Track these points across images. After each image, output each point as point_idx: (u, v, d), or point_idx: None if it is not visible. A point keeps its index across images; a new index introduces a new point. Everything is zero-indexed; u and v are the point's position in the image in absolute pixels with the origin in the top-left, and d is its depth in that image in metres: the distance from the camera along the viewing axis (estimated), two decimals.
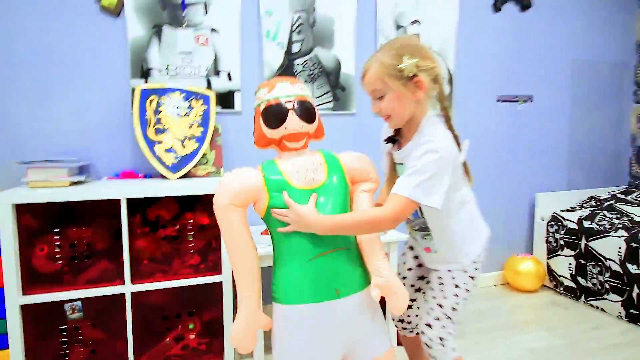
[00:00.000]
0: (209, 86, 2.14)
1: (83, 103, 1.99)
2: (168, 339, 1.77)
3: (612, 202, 2.73)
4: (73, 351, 1.66)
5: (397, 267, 1.51)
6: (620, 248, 2.33)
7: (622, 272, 2.32)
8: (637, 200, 2.71)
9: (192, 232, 1.80)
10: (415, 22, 2.50)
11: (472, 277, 1.26)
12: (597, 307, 2.48)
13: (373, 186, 1.17)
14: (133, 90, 1.99)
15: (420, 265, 1.41)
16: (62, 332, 1.66)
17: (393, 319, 1.50)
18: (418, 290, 1.43)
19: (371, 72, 1.11)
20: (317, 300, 1.01)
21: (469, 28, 2.65)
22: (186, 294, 1.81)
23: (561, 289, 2.71)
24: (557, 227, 2.73)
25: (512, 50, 2.79)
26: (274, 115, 1.04)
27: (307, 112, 1.07)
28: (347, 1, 2.33)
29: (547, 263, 2.79)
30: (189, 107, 2.05)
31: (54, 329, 1.67)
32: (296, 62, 2.27)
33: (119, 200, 1.63)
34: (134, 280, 1.68)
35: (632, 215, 2.51)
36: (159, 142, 1.98)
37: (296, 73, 2.28)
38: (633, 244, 2.27)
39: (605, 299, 2.42)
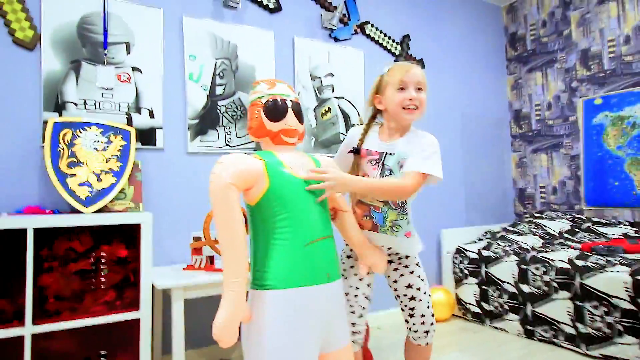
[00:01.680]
0: (129, 122, 2.13)
1: None
2: None
3: (504, 233, 3.11)
4: None
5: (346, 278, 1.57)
6: (513, 271, 2.64)
7: (517, 292, 2.62)
8: (522, 231, 3.13)
9: (107, 266, 1.70)
10: (329, 74, 2.78)
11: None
12: (500, 329, 2.73)
13: None
14: (45, 123, 1.92)
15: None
16: None
17: None
18: (367, 298, 1.53)
19: (420, 71, 1.42)
20: (313, 283, 1.08)
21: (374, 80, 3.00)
22: (98, 336, 1.66)
23: (469, 316, 2.94)
24: (461, 259, 3.01)
25: None
26: (277, 109, 1.14)
27: (300, 114, 1.20)
28: (267, 53, 2.54)
29: (456, 293, 3.03)
30: (107, 141, 2.01)
31: None
32: (219, 103, 2.38)
33: (24, 231, 1.51)
34: (36, 320, 1.51)
35: (520, 243, 2.89)
36: (72, 175, 1.89)
37: (220, 114, 2.37)
38: (523, 266, 2.59)
39: (506, 319, 2.68)
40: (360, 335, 1.53)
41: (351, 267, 1.54)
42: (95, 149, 1.97)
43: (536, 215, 3.36)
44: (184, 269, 1.99)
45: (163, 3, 2.24)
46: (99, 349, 1.68)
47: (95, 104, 2.06)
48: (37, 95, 1.95)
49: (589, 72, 3.23)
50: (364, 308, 1.53)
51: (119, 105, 2.11)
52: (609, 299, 2.17)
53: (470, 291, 2.92)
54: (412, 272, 1.52)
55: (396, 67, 1.44)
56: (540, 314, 2.48)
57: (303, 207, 1.11)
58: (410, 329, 1.54)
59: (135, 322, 1.68)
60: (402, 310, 1.56)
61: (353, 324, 1.49)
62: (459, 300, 3.01)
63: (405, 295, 1.52)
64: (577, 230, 3.02)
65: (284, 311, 1.06)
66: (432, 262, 3.21)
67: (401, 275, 1.52)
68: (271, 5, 2.58)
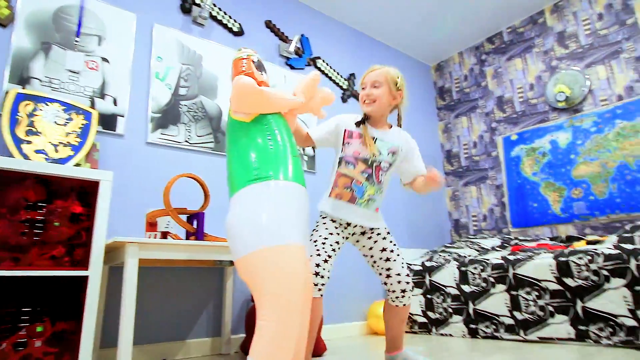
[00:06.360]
0: (92, 106, 2.19)
1: None
2: (4, 344, 1.43)
3: (444, 248, 3.33)
4: None
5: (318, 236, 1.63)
6: (455, 274, 2.81)
7: (459, 292, 2.76)
8: (460, 246, 3.37)
9: (59, 220, 1.65)
10: None
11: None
12: (446, 334, 2.81)
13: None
14: (7, 93, 1.93)
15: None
16: None
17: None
18: (334, 250, 1.60)
19: (378, 72, 1.74)
20: (298, 181, 1.33)
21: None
22: (41, 292, 1.55)
23: (416, 327, 3.00)
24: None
25: None
26: (262, 65, 1.60)
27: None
28: (229, 67, 2.76)
29: None
30: (69, 118, 2.04)
31: None
32: (182, 102, 2.51)
33: None
34: None
35: (458, 253, 3.11)
36: (28, 142, 1.88)
37: (182, 112, 2.50)
38: (462, 268, 2.78)
39: (450, 322, 2.78)
40: (324, 280, 1.53)
41: (323, 223, 1.66)
42: (55, 122, 1.99)
43: (470, 236, 3.64)
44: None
45: (137, 9, 2.46)
46: (42, 305, 1.55)
47: (60, 83, 2.12)
48: (2, 68, 1.99)
49: (505, 114, 3.80)
50: (329, 257, 1.56)
51: (84, 89, 2.18)
52: (539, 283, 2.39)
53: (416, 302, 3.02)
54: (384, 238, 1.70)
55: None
56: (482, 310, 2.63)
57: (280, 130, 1.41)
58: (388, 290, 1.68)
59: (84, 282, 1.60)
60: (380, 275, 1.69)
61: (317, 264, 1.52)
62: None
63: (380, 258, 1.67)
64: (506, 245, 3.31)
65: (279, 195, 1.26)
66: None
67: (375, 242, 1.70)
68: (235, 29, 2.88)
